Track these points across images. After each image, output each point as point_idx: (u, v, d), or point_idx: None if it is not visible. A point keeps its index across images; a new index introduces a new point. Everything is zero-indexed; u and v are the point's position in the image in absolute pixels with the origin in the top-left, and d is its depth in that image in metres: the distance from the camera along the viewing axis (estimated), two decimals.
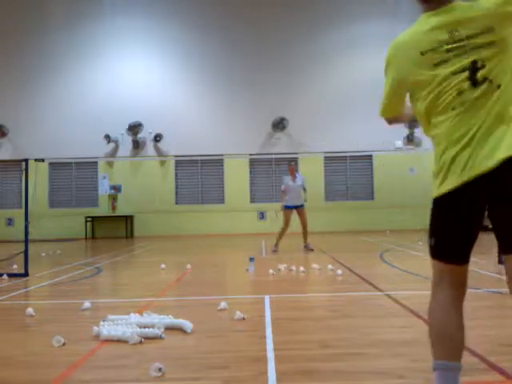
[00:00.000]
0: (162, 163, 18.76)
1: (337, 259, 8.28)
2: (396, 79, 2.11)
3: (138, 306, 4.51)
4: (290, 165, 10.41)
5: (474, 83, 1.91)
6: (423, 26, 2.01)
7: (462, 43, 1.92)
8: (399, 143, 17.91)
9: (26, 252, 7.04)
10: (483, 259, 7.61)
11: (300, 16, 18.74)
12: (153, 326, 3.55)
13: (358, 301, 4.69)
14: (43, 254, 10.86)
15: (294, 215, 10.21)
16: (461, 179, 1.86)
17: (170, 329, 3.60)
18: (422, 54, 1.97)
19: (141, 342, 3.30)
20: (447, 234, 1.95)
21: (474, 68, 1.91)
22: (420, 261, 7.89)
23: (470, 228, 1.94)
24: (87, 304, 4.52)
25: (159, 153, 18.62)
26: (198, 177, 18.95)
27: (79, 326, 3.84)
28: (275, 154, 17.94)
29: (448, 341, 1.94)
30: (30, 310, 4.29)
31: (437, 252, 2.00)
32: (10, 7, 18.91)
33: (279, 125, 18.28)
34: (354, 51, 18.71)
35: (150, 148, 18.67)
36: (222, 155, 17.29)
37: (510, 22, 1.90)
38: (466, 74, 1.92)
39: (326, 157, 18.29)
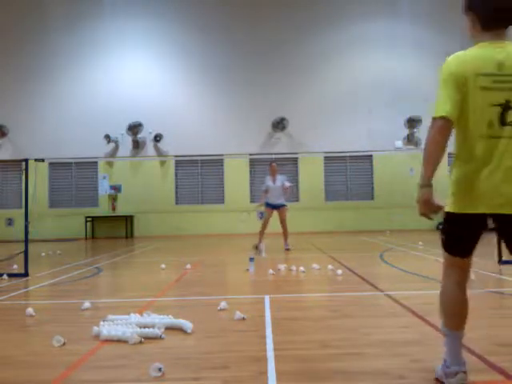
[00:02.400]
0: (162, 163, 18.76)
1: (337, 259, 8.28)
2: (454, 85, 2.22)
3: (138, 306, 4.51)
4: (272, 165, 10.34)
5: (502, 122, 2.14)
6: (479, 52, 2.23)
7: (506, 78, 2.14)
8: (399, 143, 17.91)
9: (26, 252, 7.03)
10: (483, 259, 7.61)
11: (300, 16, 18.74)
12: (153, 326, 3.55)
13: (358, 301, 4.69)
14: (43, 254, 10.86)
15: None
16: (478, 210, 2.22)
17: (169, 329, 3.60)
18: (478, 74, 2.17)
19: (141, 342, 3.30)
20: (457, 240, 2.37)
21: (506, 106, 2.13)
22: (420, 261, 7.90)
23: (476, 238, 2.34)
24: (87, 304, 4.52)
25: (159, 153, 18.62)
26: (198, 177, 18.95)
27: (79, 326, 3.84)
28: (275, 154, 17.93)
29: (462, 313, 2.41)
30: (29, 310, 4.28)
31: (447, 247, 2.41)
32: (10, 7, 18.91)
33: (279, 125, 18.28)
34: (354, 51, 18.71)
35: (150, 148, 18.67)
36: (222, 155, 17.29)
37: None
38: (499, 109, 2.14)
39: (325, 157, 18.29)
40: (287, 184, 10.12)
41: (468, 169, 2.21)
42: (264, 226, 10.25)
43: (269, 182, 10.26)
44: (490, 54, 2.19)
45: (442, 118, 2.18)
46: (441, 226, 2.44)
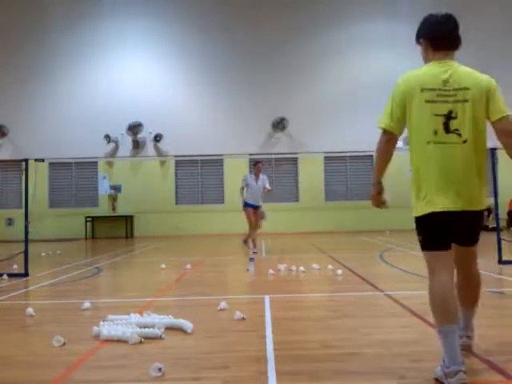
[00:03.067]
0: (162, 163, 18.76)
1: (337, 259, 8.28)
2: (399, 102, 2.58)
3: (138, 306, 4.51)
4: (258, 165, 10.19)
5: (447, 130, 2.48)
6: (428, 70, 2.60)
7: (449, 92, 2.49)
8: (399, 143, 17.76)
9: (26, 252, 7.04)
10: (483, 259, 7.61)
11: (300, 16, 18.74)
12: (153, 326, 3.55)
13: (358, 301, 4.69)
14: (43, 254, 10.86)
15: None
16: (426, 210, 2.50)
17: (169, 329, 3.60)
18: (424, 89, 2.52)
19: (141, 342, 3.30)
20: (431, 237, 2.57)
21: (449, 116, 2.48)
22: (420, 261, 7.88)
23: (448, 232, 2.55)
24: (87, 304, 4.52)
25: (159, 153, 18.62)
26: (198, 177, 18.95)
27: (79, 326, 3.84)
28: (275, 153, 17.93)
29: (450, 307, 2.45)
30: (29, 310, 4.28)
31: (425, 245, 2.59)
32: (10, 7, 18.91)
33: (279, 125, 18.28)
34: (354, 51, 18.71)
35: (150, 148, 18.67)
36: (221, 155, 17.29)
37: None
38: (443, 119, 2.48)
39: (325, 157, 18.28)
40: (268, 187, 10.01)
41: (420, 173, 2.54)
42: (251, 225, 9.97)
43: (252, 180, 10.05)
44: (436, 71, 2.55)
45: (385, 130, 2.57)
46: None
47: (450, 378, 2.36)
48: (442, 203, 2.46)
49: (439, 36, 2.64)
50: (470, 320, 2.86)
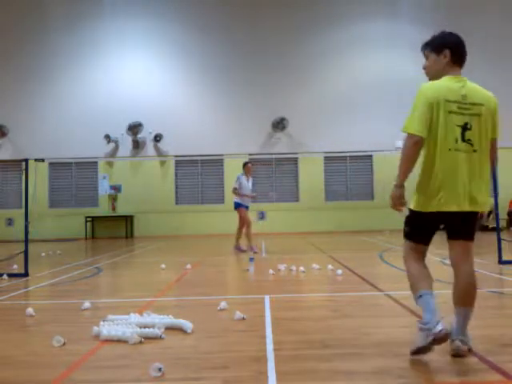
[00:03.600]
0: (162, 163, 18.76)
1: (337, 259, 8.28)
2: (427, 108, 2.77)
3: (138, 306, 4.51)
4: (248, 165, 10.18)
5: (462, 139, 2.77)
6: (449, 83, 2.84)
7: (467, 106, 2.77)
8: (399, 143, 17.85)
9: (26, 252, 7.04)
10: (483, 259, 7.62)
11: (300, 16, 18.74)
12: (153, 326, 3.55)
13: (358, 301, 4.69)
14: (43, 254, 10.86)
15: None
16: (439, 208, 2.78)
17: (169, 329, 3.60)
18: (448, 101, 2.77)
19: (141, 342, 3.30)
20: (420, 231, 2.94)
21: (464, 127, 2.76)
22: None
23: (435, 230, 2.93)
24: (87, 304, 4.52)
25: (159, 153, 18.63)
26: (198, 177, 18.96)
27: (79, 326, 3.84)
28: (275, 153, 17.93)
29: (427, 278, 2.87)
30: (29, 310, 4.28)
31: (411, 236, 2.97)
32: (10, 7, 18.92)
33: (279, 125, 18.28)
34: (354, 51, 18.72)
35: (150, 148, 18.67)
36: (222, 155, 17.29)
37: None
38: (460, 129, 2.76)
39: (325, 157, 18.29)
40: (253, 194, 10.25)
41: (435, 175, 2.78)
42: (248, 225, 10.01)
43: (244, 180, 10.05)
44: (455, 85, 2.81)
45: (415, 135, 2.73)
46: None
47: (433, 329, 2.64)
48: (451, 205, 2.76)
49: (462, 51, 2.93)
50: (463, 323, 2.82)
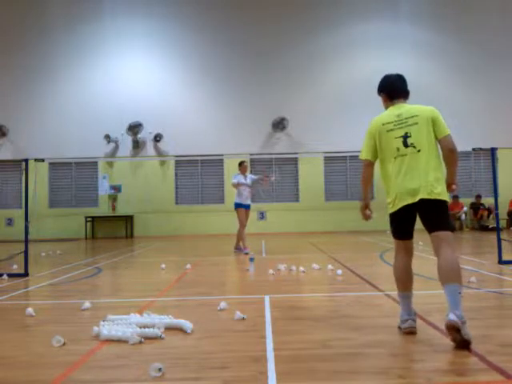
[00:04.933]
0: (162, 163, 18.76)
1: (337, 259, 8.28)
2: (370, 138, 3.58)
3: (138, 306, 4.51)
4: (244, 164, 10.10)
5: (405, 145, 3.41)
6: (387, 112, 3.61)
7: (403, 121, 3.47)
8: None
9: (25, 252, 7.04)
10: (483, 259, 7.62)
11: (300, 16, 18.74)
12: (153, 326, 3.55)
13: (358, 301, 4.69)
14: (43, 254, 10.86)
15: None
16: (403, 203, 3.39)
17: (169, 329, 3.61)
18: (384, 124, 3.52)
19: (141, 342, 3.30)
20: (399, 228, 3.54)
21: (405, 136, 3.42)
22: (420, 261, 7.89)
23: (410, 224, 3.49)
24: (87, 304, 4.52)
25: (159, 153, 18.63)
26: (198, 177, 18.95)
27: (79, 326, 3.84)
28: (275, 153, 17.93)
29: (406, 282, 3.48)
30: (29, 310, 4.28)
31: (395, 234, 3.56)
32: (10, 7, 18.92)
33: (279, 125, 18.28)
34: (354, 51, 18.71)
35: (150, 148, 18.66)
36: (222, 155, 17.28)
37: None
38: (402, 139, 3.43)
39: (325, 157, 18.28)
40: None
41: (391, 180, 3.45)
42: (244, 226, 9.94)
43: (241, 179, 9.99)
44: (391, 111, 3.56)
45: (365, 159, 3.58)
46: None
47: (403, 324, 3.38)
48: (407, 198, 3.33)
49: (393, 89, 3.65)
50: (454, 299, 3.03)
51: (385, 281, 6.00)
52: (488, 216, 17.51)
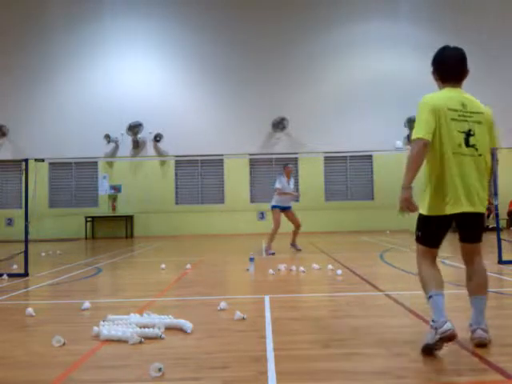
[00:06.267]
0: (162, 163, 18.76)
1: (337, 259, 8.28)
2: (432, 115, 2.93)
3: (138, 306, 4.51)
4: (288, 168, 10.14)
5: (467, 144, 2.95)
6: (448, 94, 3.04)
7: (467, 114, 2.97)
8: (399, 143, 17.90)
9: (25, 252, 7.04)
10: (483, 259, 7.60)
11: (300, 16, 18.74)
12: (153, 326, 3.55)
13: (358, 301, 4.69)
14: (43, 254, 10.86)
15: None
16: (457, 210, 2.94)
17: (169, 329, 3.60)
18: (449, 109, 2.95)
19: (141, 342, 3.30)
20: (431, 235, 3.10)
21: (468, 134, 2.95)
22: None
23: (447, 231, 3.10)
24: (87, 304, 4.52)
25: (159, 153, 18.62)
26: (198, 177, 18.95)
27: (79, 326, 3.84)
28: (275, 154, 17.93)
29: (438, 279, 3.02)
30: (29, 310, 4.28)
31: (423, 241, 3.13)
32: (10, 7, 18.91)
33: (279, 125, 18.28)
34: (354, 51, 18.71)
35: (150, 148, 18.66)
36: (222, 155, 17.29)
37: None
38: (464, 135, 2.95)
39: (325, 157, 18.28)
40: (295, 193, 10.26)
41: (445, 176, 2.94)
42: (277, 228, 10.00)
43: (285, 183, 10.01)
44: (454, 95, 3.01)
45: (422, 139, 2.89)
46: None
47: (440, 329, 2.76)
48: (463, 206, 2.93)
49: (447, 72, 3.08)
50: (480, 312, 3.00)
51: (385, 281, 6.00)
52: (488, 216, 17.50)
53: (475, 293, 3.07)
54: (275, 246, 10.14)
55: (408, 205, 2.91)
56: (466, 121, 2.95)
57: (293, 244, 10.37)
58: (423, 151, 2.89)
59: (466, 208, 2.93)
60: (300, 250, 10.14)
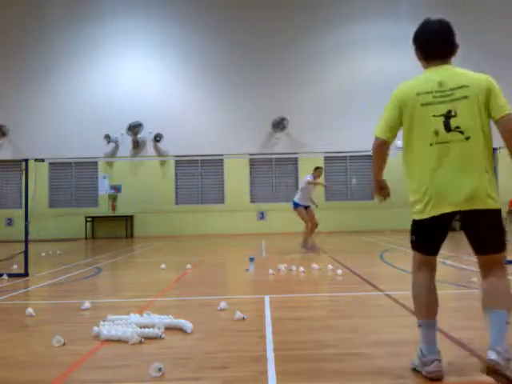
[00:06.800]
0: (162, 163, 18.75)
1: (337, 259, 8.28)
2: (393, 110, 2.64)
3: (138, 306, 4.51)
4: (319, 170, 10.35)
5: (447, 129, 2.49)
6: (424, 76, 2.65)
7: (446, 93, 2.52)
8: (399, 143, 17.59)
9: (26, 252, 7.04)
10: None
11: (300, 16, 18.73)
12: (153, 326, 3.55)
13: (358, 301, 4.69)
14: (43, 254, 10.86)
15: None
16: (444, 210, 2.48)
17: (169, 329, 3.60)
18: (418, 94, 2.55)
19: (141, 342, 3.30)
20: (427, 241, 2.64)
21: (448, 116, 2.49)
22: None
23: (443, 237, 2.62)
24: (87, 304, 4.52)
25: (159, 153, 18.62)
26: (198, 177, 18.95)
27: (79, 326, 3.84)
28: (275, 153, 17.92)
29: (431, 306, 2.58)
30: (29, 310, 4.28)
31: (417, 247, 2.68)
32: (10, 8, 18.91)
33: (279, 125, 18.27)
34: (354, 51, 18.70)
35: (150, 148, 18.66)
36: (222, 155, 17.28)
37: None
38: (443, 119, 2.50)
39: (325, 157, 18.28)
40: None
41: (423, 173, 2.53)
42: (308, 223, 10.21)
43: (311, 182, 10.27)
44: (430, 75, 2.61)
45: (378, 138, 2.67)
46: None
47: (426, 367, 2.48)
48: (452, 204, 2.45)
49: (429, 50, 2.69)
50: (497, 331, 2.34)
51: (385, 281, 6.00)
52: None
53: (491, 305, 2.42)
54: (274, 246, 10.13)
55: (380, 193, 2.87)
56: (444, 102, 2.49)
57: (305, 244, 10.37)
58: (380, 150, 2.70)
59: (454, 207, 2.44)
60: (314, 250, 10.06)
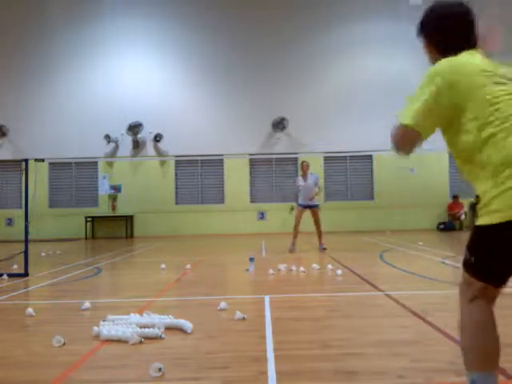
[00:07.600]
0: (162, 163, 18.75)
1: (337, 259, 8.28)
2: (443, 88, 1.92)
3: (138, 306, 4.51)
4: (303, 164, 10.36)
5: None
6: (473, 56, 2.01)
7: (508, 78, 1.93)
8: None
9: (25, 252, 7.04)
10: None
11: (300, 16, 18.73)
12: (153, 326, 3.55)
13: (358, 301, 4.69)
14: (43, 254, 10.86)
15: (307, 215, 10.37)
16: None
17: (169, 329, 3.60)
18: (483, 70, 1.92)
19: (141, 342, 3.30)
20: (496, 262, 1.87)
21: None
22: (420, 261, 7.89)
23: None
24: (87, 304, 4.52)
25: (159, 153, 18.62)
26: (198, 177, 18.95)
27: (79, 326, 3.84)
28: (275, 153, 17.92)
29: (494, 351, 1.89)
30: (29, 310, 4.28)
31: (478, 271, 1.91)
32: (10, 8, 18.91)
33: (279, 125, 18.27)
34: (355, 51, 18.70)
35: (150, 148, 18.65)
36: (222, 155, 17.27)
37: None
38: None
39: (325, 157, 18.28)
40: (316, 189, 10.26)
41: (506, 171, 1.77)
42: (296, 225, 10.32)
43: (300, 181, 10.29)
44: (483, 59, 2.02)
45: (411, 129, 1.92)
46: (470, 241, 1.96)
47: None
48: None
49: (461, 36, 2.06)
50: None
51: (385, 281, 6.00)
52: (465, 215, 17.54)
53: None
54: (274, 246, 10.14)
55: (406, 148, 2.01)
56: (505, 83, 1.90)
57: (320, 245, 10.46)
58: (412, 144, 1.97)
59: None
60: (325, 249, 10.20)
